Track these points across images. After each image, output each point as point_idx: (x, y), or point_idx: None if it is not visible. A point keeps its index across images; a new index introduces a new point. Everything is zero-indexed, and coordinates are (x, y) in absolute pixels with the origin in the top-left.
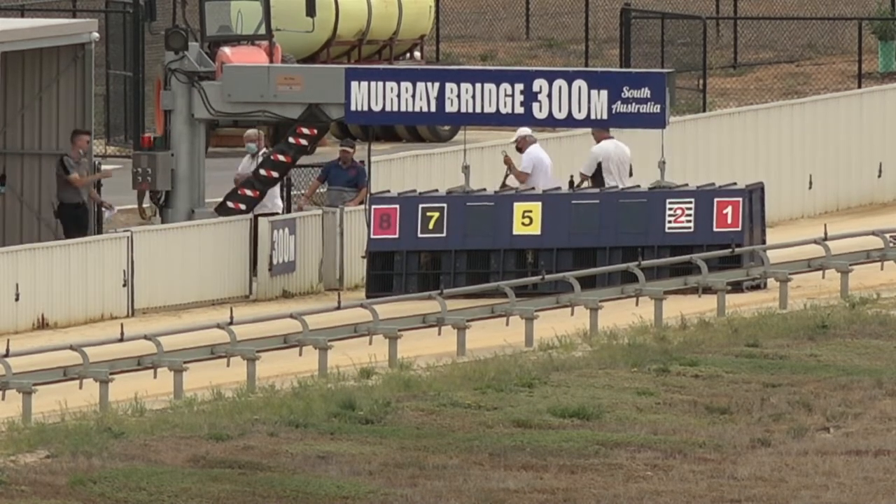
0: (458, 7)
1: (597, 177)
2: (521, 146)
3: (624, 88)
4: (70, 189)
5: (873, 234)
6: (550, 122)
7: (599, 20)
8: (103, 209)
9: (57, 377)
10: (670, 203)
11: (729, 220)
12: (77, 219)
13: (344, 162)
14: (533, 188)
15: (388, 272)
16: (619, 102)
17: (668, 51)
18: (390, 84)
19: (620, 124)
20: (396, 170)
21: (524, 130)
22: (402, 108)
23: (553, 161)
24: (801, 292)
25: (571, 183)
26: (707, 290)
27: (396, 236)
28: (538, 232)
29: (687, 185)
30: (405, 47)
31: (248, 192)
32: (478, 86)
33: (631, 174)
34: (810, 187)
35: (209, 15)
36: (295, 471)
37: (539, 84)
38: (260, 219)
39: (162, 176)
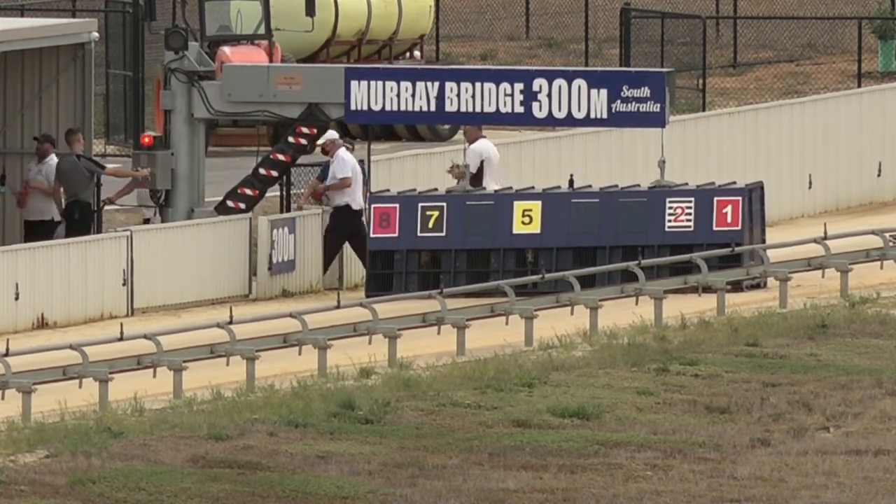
0: (457, 6)
1: (477, 175)
2: (328, 149)
3: (624, 88)
4: (89, 188)
5: (873, 233)
6: (550, 122)
7: (599, 20)
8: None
9: (56, 376)
10: (670, 202)
11: (729, 220)
12: (86, 218)
13: None
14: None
15: (387, 271)
16: (618, 102)
17: (668, 50)
18: (390, 83)
19: (620, 123)
20: (396, 169)
21: (332, 134)
22: (402, 108)
23: (553, 160)
24: (800, 291)
25: (571, 182)
26: (707, 289)
27: (396, 235)
28: (538, 231)
29: (687, 184)
30: (405, 47)
31: (248, 192)
32: (477, 85)
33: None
34: (810, 187)
35: (209, 14)
36: (294, 471)
37: (539, 83)
38: (260, 218)
39: (161, 175)
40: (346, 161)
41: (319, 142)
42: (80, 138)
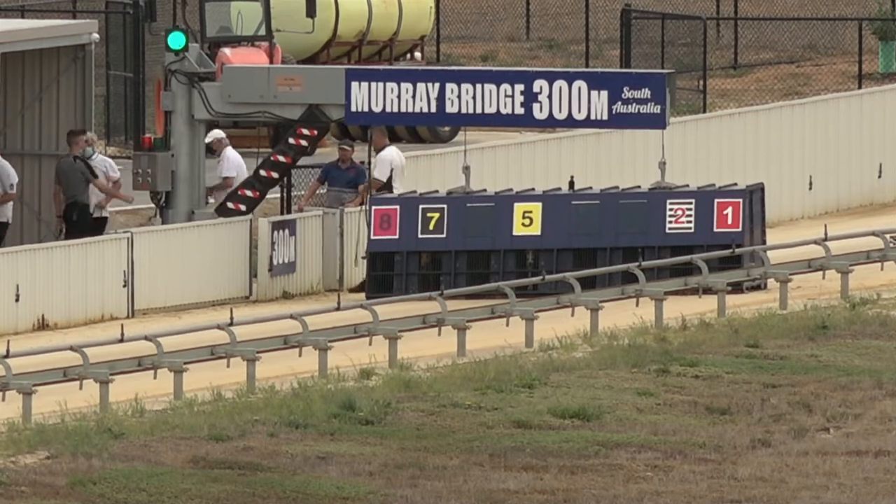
0: (458, 8)
1: (387, 184)
2: (215, 148)
3: (624, 89)
4: (87, 190)
5: (873, 234)
6: (551, 123)
7: (600, 21)
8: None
9: (57, 378)
10: (671, 204)
11: (729, 221)
12: (84, 219)
13: (343, 162)
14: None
15: (388, 273)
16: (619, 103)
17: (669, 51)
18: (390, 85)
19: (621, 125)
20: None
21: (218, 133)
22: (403, 109)
23: (554, 162)
24: (801, 293)
25: (571, 183)
26: (707, 290)
27: (397, 237)
28: (538, 232)
29: (687, 185)
30: (405, 48)
31: (249, 193)
32: (478, 86)
33: None
34: (810, 188)
35: (209, 16)
36: (295, 471)
37: (539, 85)
38: (260, 219)
39: (162, 177)
40: (231, 161)
41: (206, 140)
42: (81, 140)
